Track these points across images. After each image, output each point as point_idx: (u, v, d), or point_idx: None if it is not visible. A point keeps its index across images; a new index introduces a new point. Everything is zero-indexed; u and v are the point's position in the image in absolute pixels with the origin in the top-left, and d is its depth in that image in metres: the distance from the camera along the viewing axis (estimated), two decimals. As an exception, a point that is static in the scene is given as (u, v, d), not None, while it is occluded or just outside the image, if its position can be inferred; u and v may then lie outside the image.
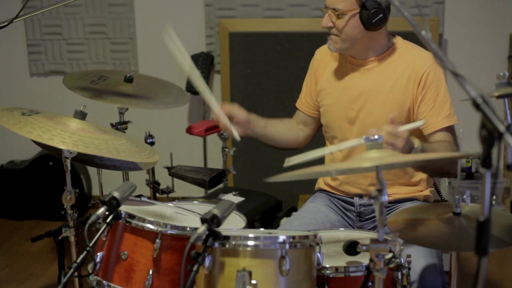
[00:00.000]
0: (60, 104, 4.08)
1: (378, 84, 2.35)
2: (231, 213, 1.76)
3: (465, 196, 1.94)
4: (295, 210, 3.11)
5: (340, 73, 2.43)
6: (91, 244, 1.81)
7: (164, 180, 3.08)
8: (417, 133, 2.32)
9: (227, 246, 1.74)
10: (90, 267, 1.92)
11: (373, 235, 2.13)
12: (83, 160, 2.45)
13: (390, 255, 1.89)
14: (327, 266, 1.91)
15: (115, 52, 4.23)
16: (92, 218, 1.82)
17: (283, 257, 1.74)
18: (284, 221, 3.02)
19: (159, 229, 1.94)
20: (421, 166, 2.14)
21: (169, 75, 3.77)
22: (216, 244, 1.73)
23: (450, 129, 2.30)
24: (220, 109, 2.30)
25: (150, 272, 1.94)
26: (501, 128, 1.24)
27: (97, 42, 4.22)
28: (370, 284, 1.83)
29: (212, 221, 1.69)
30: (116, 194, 1.87)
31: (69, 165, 2.23)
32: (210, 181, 2.90)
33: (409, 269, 2.00)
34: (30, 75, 4.34)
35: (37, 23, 4.23)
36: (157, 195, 3.04)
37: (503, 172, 4.06)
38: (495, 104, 1.30)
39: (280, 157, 2.85)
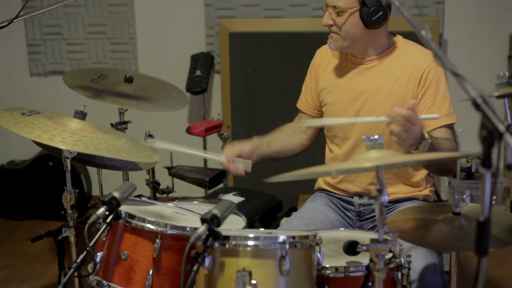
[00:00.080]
0: (60, 104, 4.08)
1: (379, 82, 2.35)
2: (231, 213, 1.76)
3: (464, 196, 1.94)
4: (295, 210, 3.11)
5: (340, 72, 2.43)
6: (91, 244, 1.81)
7: (164, 180, 3.08)
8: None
9: (227, 246, 1.74)
10: (90, 267, 1.92)
11: (373, 235, 2.13)
12: (83, 160, 2.45)
13: (390, 255, 1.89)
14: (327, 266, 1.91)
15: (115, 52, 4.23)
16: (92, 218, 1.82)
17: (283, 257, 1.74)
18: (284, 221, 3.02)
19: (159, 229, 1.94)
20: (431, 165, 2.13)
21: (169, 75, 3.78)
22: (216, 244, 1.73)
23: (449, 127, 2.30)
24: (225, 159, 2.35)
25: (150, 272, 1.94)
26: (501, 128, 1.24)
27: (97, 42, 4.22)
28: (370, 284, 1.83)
29: (212, 221, 1.69)
30: (116, 194, 1.87)
31: (69, 165, 2.23)
32: (210, 181, 2.90)
33: (409, 269, 2.00)
34: (30, 75, 4.34)
35: (37, 23, 4.23)
36: (157, 195, 3.04)
37: (503, 172, 4.06)
38: (495, 104, 1.30)
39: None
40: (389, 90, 2.33)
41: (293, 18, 4.04)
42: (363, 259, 1.91)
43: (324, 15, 2.32)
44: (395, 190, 2.41)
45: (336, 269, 1.92)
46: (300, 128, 2.61)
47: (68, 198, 2.29)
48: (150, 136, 2.95)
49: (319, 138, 2.76)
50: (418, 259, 2.14)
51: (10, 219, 4.22)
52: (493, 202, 3.89)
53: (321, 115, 2.55)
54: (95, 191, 4.17)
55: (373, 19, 2.25)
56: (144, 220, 1.96)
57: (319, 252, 1.86)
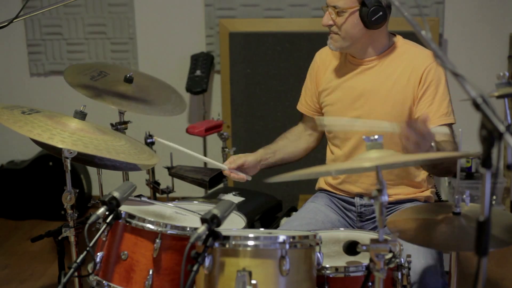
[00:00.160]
0: (60, 104, 4.07)
1: (379, 83, 2.35)
2: (231, 213, 1.76)
3: (464, 196, 1.94)
4: (295, 210, 3.11)
5: (340, 73, 2.43)
6: (91, 244, 1.81)
7: (164, 180, 3.08)
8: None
9: (227, 246, 1.74)
10: (90, 267, 1.92)
11: (373, 235, 2.13)
12: (83, 160, 2.45)
13: (390, 255, 1.89)
14: (327, 266, 1.91)
15: (115, 52, 4.23)
16: (92, 218, 1.82)
17: (283, 257, 1.74)
18: (284, 221, 3.02)
19: (159, 229, 1.94)
20: (430, 165, 2.13)
21: (169, 75, 3.78)
22: (216, 244, 1.73)
23: (447, 127, 2.30)
24: (228, 169, 2.40)
25: (150, 272, 1.94)
26: (501, 128, 1.24)
27: (97, 42, 4.22)
28: (370, 284, 1.83)
29: (212, 221, 1.69)
30: (116, 194, 1.87)
31: (69, 165, 2.23)
32: (210, 181, 2.90)
33: (409, 269, 1.99)
34: (30, 75, 4.34)
35: (37, 23, 4.23)
36: (157, 195, 3.04)
37: (503, 172, 4.06)
38: (495, 104, 1.30)
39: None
40: (389, 90, 2.33)
41: (293, 18, 4.04)
42: (363, 259, 1.91)
43: (324, 15, 2.32)
44: (397, 191, 2.41)
45: (336, 269, 1.91)
46: (306, 131, 2.62)
47: (68, 198, 2.29)
48: (150, 136, 2.96)
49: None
50: (419, 260, 2.14)
51: (10, 219, 4.22)
52: (493, 202, 3.89)
53: (320, 116, 2.55)
54: (95, 191, 4.17)
55: (373, 19, 2.25)
56: (144, 220, 1.96)
57: (319, 252, 1.86)
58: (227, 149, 3.26)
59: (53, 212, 4.10)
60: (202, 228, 1.68)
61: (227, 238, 1.74)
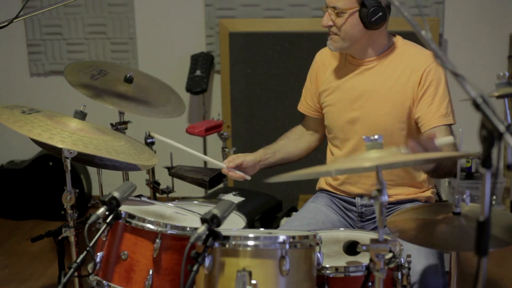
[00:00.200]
0: (60, 104, 4.08)
1: (379, 83, 2.35)
2: (231, 213, 1.76)
3: (464, 196, 1.94)
4: (295, 210, 3.11)
5: (340, 73, 2.43)
6: (91, 244, 1.81)
7: (164, 180, 3.08)
8: (417, 132, 2.32)
9: (227, 246, 1.74)
10: (90, 267, 1.92)
11: (373, 235, 2.13)
12: (83, 160, 2.45)
13: (390, 255, 1.89)
14: (327, 266, 1.91)
15: (115, 52, 4.23)
16: (92, 218, 1.82)
17: (283, 257, 1.74)
18: (284, 221, 3.02)
19: (159, 229, 1.94)
20: (432, 169, 2.13)
21: (169, 75, 3.78)
22: (216, 244, 1.73)
23: (446, 128, 2.29)
24: (226, 168, 2.42)
25: (150, 272, 1.94)
26: (501, 128, 1.24)
27: (97, 42, 4.22)
28: (370, 284, 1.83)
29: (212, 221, 1.69)
30: (116, 194, 1.87)
31: (69, 165, 2.23)
32: (210, 181, 2.90)
33: (409, 269, 2.00)
34: (30, 75, 4.34)
35: (37, 23, 4.23)
36: (157, 195, 3.04)
37: (503, 172, 4.06)
38: (495, 104, 1.30)
39: (280, 157, 2.87)
40: (389, 90, 2.33)
41: (293, 18, 4.04)
42: (363, 259, 1.91)
43: (323, 16, 2.32)
44: (398, 192, 2.41)
45: (336, 269, 1.92)
46: (308, 130, 2.63)
47: (68, 198, 2.29)
48: (150, 136, 2.96)
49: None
50: (420, 260, 2.14)
51: (10, 219, 4.22)
52: (493, 202, 3.89)
53: (321, 116, 2.55)
54: (95, 191, 4.17)
55: (372, 19, 2.25)
56: (144, 220, 1.96)
57: (319, 252, 1.86)
58: (227, 149, 3.26)
59: (53, 212, 4.10)
60: (202, 228, 1.68)
61: (227, 238, 1.74)
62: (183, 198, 2.92)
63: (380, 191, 1.60)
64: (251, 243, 1.74)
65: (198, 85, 3.98)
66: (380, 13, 2.25)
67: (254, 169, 2.47)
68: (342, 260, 1.94)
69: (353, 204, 2.47)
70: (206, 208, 1.86)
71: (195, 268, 1.65)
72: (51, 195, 4.05)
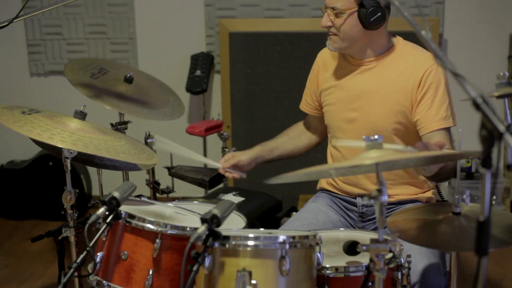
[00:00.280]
0: (60, 104, 4.08)
1: (378, 84, 2.35)
2: (231, 213, 1.76)
3: (464, 196, 1.94)
4: (295, 210, 3.11)
5: (340, 73, 2.43)
6: (91, 244, 1.81)
7: (164, 180, 3.08)
8: (414, 134, 2.32)
9: (227, 246, 1.74)
10: (90, 267, 1.92)
11: (373, 235, 2.13)
12: (83, 160, 2.45)
13: (390, 255, 1.89)
14: (327, 266, 1.91)
15: (115, 52, 4.23)
16: (92, 218, 1.82)
17: (283, 257, 1.74)
18: (284, 221, 3.02)
19: (159, 229, 1.94)
20: (434, 175, 2.13)
21: (169, 75, 3.78)
22: (216, 244, 1.73)
23: (445, 131, 2.29)
24: (222, 168, 2.50)
25: (150, 272, 1.94)
26: (501, 128, 1.24)
27: (97, 42, 4.22)
28: (370, 284, 1.83)
29: (212, 221, 1.69)
30: (116, 194, 1.87)
31: (69, 165, 2.23)
32: (210, 181, 2.89)
33: (409, 269, 1.99)
34: (30, 75, 4.34)
35: (37, 23, 4.23)
36: (157, 195, 3.03)
37: (503, 172, 4.06)
38: (495, 104, 1.30)
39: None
40: (388, 91, 2.33)
41: (293, 18, 4.04)
42: (363, 259, 1.91)
43: (323, 17, 2.32)
44: (398, 192, 2.40)
45: (336, 269, 1.92)
46: (309, 128, 2.66)
47: (68, 198, 2.29)
48: (150, 136, 2.96)
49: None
50: (422, 259, 2.14)
51: (10, 219, 4.22)
52: (493, 202, 3.89)
53: (321, 115, 2.56)
54: (95, 191, 4.17)
55: (371, 20, 2.25)
56: (144, 220, 1.96)
57: (319, 252, 1.86)
58: (227, 149, 3.26)
59: (53, 212, 4.10)
60: (202, 228, 1.68)
61: (227, 238, 1.74)
62: (183, 198, 2.91)
63: (380, 191, 1.60)
64: (251, 243, 1.74)
65: (198, 85, 3.98)
66: (379, 14, 2.25)
67: (250, 166, 2.55)
68: (342, 260, 1.94)
69: (354, 204, 2.47)
70: (206, 208, 1.86)
71: (195, 268, 1.65)
72: (51, 195, 4.05)
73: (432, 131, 2.26)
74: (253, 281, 1.71)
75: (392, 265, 1.94)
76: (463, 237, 1.84)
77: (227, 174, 2.51)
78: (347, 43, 2.32)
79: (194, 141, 4.02)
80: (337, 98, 2.43)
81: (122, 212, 1.96)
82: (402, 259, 1.96)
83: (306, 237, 1.82)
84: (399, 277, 1.96)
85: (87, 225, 1.79)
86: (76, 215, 2.35)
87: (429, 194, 2.45)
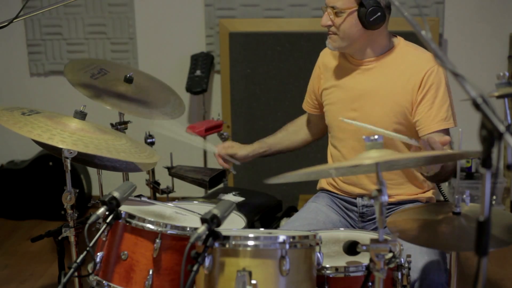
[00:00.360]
0: (60, 104, 4.08)
1: (378, 84, 2.35)
2: (231, 213, 1.76)
3: (464, 196, 1.94)
4: (295, 209, 3.11)
5: (341, 73, 2.43)
6: (91, 244, 1.81)
7: (164, 180, 3.08)
8: (414, 134, 2.32)
9: (227, 246, 1.74)
10: (90, 267, 1.92)
11: (373, 235, 2.13)
12: (83, 160, 2.45)
13: (390, 255, 1.89)
14: (327, 266, 1.91)
15: (115, 52, 4.23)
16: (92, 218, 1.82)
17: (283, 257, 1.74)
18: (284, 221, 3.02)
19: (159, 229, 1.94)
20: (434, 175, 2.13)
21: (169, 75, 3.78)
22: (216, 244, 1.73)
23: (445, 132, 2.29)
24: (217, 153, 2.58)
25: (150, 272, 1.94)
26: (501, 128, 1.24)
27: (97, 42, 4.22)
28: (370, 284, 1.83)
29: (212, 221, 1.69)
30: (116, 194, 1.88)
31: (69, 165, 2.22)
32: (210, 181, 2.90)
33: (409, 269, 1.99)
34: (30, 75, 4.34)
35: (37, 23, 4.23)
36: (157, 195, 3.04)
37: (503, 172, 4.05)
38: (495, 104, 1.30)
39: (280, 157, 2.87)
40: (388, 91, 2.33)
41: (293, 18, 4.04)
42: (363, 259, 1.91)
43: (323, 16, 2.32)
44: (399, 192, 2.40)
45: (336, 269, 1.92)
46: (309, 123, 2.69)
47: (68, 198, 2.29)
48: (150, 136, 2.96)
49: (321, 140, 2.75)
50: (422, 256, 2.14)
51: (10, 219, 4.22)
52: (493, 202, 3.89)
53: (320, 113, 2.56)
54: (95, 191, 4.17)
55: (371, 19, 2.25)
56: (144, 220, 1.96)
57: (319, 252, 1.86)
58: (225, 134, 3.28)
59: (53, 212, 4.10)
60: (202, 228, 1.68)
61: (227, 238, 1.74)
62: (183, 198, 2.92)
63: (380, 191, 1.60)
64: (251, 243, 1.74)
65: (198, 85, 3.98)
66: (379, 13, 2.25)
67: (245, 160, 2.62)
68: (342, 260, 1.94)
69: (354, 205, 2.47)
70: (206, 208, 1.86)
71: (195, 268, 1.66)
72: (51, 195, 4.05)
73: (431, 132, 2.26)
74: (253, 281, 1.71)
75: (392, 265, 1.94)
76: (463, 237, 1.84)
77: (219, 161, 2.57)
78: (347, 43, 2.32)
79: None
80: (337, 98, 2.43)
81: (122, 212, 1.96)
82: (402, 259, 1.96)
83: (306, 237, 1.82)
84: (399, 277, 1.96)
85: (87, 225, 1.79)
86: (76, 215, 2.35)
87: (429, 194, 2.45)
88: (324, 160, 2.59)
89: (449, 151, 2.08)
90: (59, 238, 2.44)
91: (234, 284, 1.72)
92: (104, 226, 1.88)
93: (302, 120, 2.72)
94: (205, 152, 4.08)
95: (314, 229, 2.30)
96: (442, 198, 2.82)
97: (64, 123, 2.19)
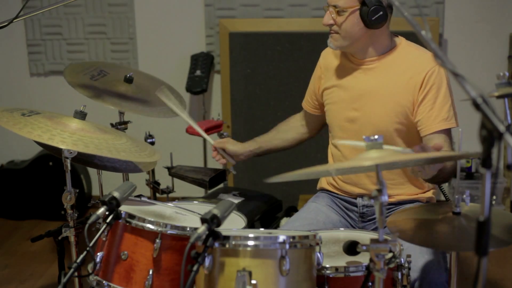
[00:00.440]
0: (60, 104, 4.08)
1: (379, 83, 2.35)
2: (231, 213, 1.76)
3: (464, 196, 1.94)
4: (294, 209, 3.11)
5: (342, 72, 2.43)
6: (91, 244, 1.81)
7: (164, 180, 3.08)
8: (416, 134, 2.32)
9: (227, 246, 1.74)
10: (90, 267, 1.92)
11: (373, 235, 2.13)
12: (83, 160, 2.45)
13: (390, 255, 1.89)
14: (327, 266, 1.91)
15: (115, 52, 4.23)
16: (92, 218, 1.82)
17: (283, 257, 1.74)
18: (284, 221, 3.02)
19: (159, 229, 1.94)
20: (432, 178, 2.13)
21: (169, 75, 3.78)
22: (216, 244, 1.73)
23: (447, 132, 2.29)
24: (213, 145, 2.68)
25: (150, 272, 1.94)
26: (501, 128, 1.24)
27: (97, 42, 4.22)
28: (370, 284, 1.83)
29: (212, 221, 1.69)
30: (116, 194, 1.88)
31: (69, 165, 2.22)
32: (210, 181, 2.89)
33: (409, 269, 1.99)
34: (30, 75, 4.34)
35: (37, 23, 4.23)
36: (157, 195, 3.03)
37: (503, 172, 4.05)
38: (495, 104, 1.30)
39: (280, 157, 2.87)
40: (389, 91, 2.33)
41: (293, 18, 4.04)
42: (363, 259, 1.91)
43: (325, 15, 2.32)
44: (399, 192, 2.40)
45: (336, 269, 1.92)
46: (301, 121, 2.69)
47: (68, 198, 2.29)
48: (150, 136, 2.96)
49: (319, 138, 2.76)
50: (422, 255, 2.14)
51: (10, 219, 4.22)
52: (493, 202, 3.89)
53: (321, 113, 2.56)
54: (95, 191, 4.17)
55: (373, 18, 2.25)
56: (144, 220, 1.96)
57: (319, 252, 1.86)
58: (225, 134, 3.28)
59: (53, 212, 4.10)
60: (202, 228, 1.68)
61: (227, 238, 1.74)
62: (183, 198, 2.91)
63: (380, 191, 1.60)
64: (251, 243, 1.74)
65: (198, 85, 3.98)
66: (381, 12, 2.25)
67: (237, 158, 2.68)
68: (342, 260, 1.94)
69: (355, 205, 2.47)
70: (206, 208, 1.86)
71: (195, 268, 1.66)
72: (51, 195, 4.05)
73: (433, 132, 2.26)
74: (253, 281, 1.71)
75: (392, 265, 1.94)
76: (463, 237, 1.84)
77: (213, 153, 2.68)
78: (348, 42, 2.32)
79: (194, 141, 4.03)
80: (338, 97, 2.43)
81: (122, 212, 1.96)
82: (402, 259, 1.96)
83: (306, 237, 1.82)
84: (399, 277, 1.96)
85: (87, 225, 1.79)
86: (76, 215, 2.35)
87: (429, 194, 2.45)
88: (324, 160, 2.59)
89: (448, 153, 2.09)
90: (59, 238, 2.44)
91: (234, 284, 1.72)
92: (104, 226, 1.88)
93: (294, 119, 2.72)
94: (205, 152, 4.08)
95: (314, 229, 2.30)
96: (443, 198, 2.83)
97: (64, 123, 2.19)
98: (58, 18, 4.20)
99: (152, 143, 2.92)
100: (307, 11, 4.02)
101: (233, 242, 1.74)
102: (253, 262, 1.74)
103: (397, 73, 2.33)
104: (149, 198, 2.32)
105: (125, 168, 2.50)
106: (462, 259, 3.36)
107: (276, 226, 3.03)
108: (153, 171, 3.01)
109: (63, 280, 1.72)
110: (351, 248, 1.79)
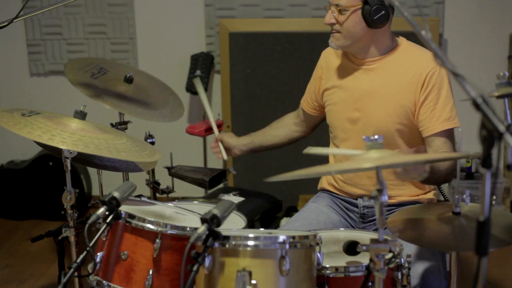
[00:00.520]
0: (60, 104, 4.08)
1: (380, 84, 2.34)
2: (231, 213, 1.76)
3: (464, 196, 1.94)
4: (295, 209, 3.11)
5: (343, 72, 2.43)
6: (91, 244, 1.81)
7: (164, 180, 3.08)
8: (417, 135, 2.32)
9: (227, 246, 1.74)
10: (90, 267, 1.92)
11: (373, 235, 2.13)
12: (83, 160, 2.45)
13: (390, 255, 1.89)
14: (327, 266, 1.91)
15: (115, 52, 4.23)
16: (92, 218, 1.82)
17: (283, 257, 1.74)
18: (284, 221, 3.02)
19: (159, 229, 1.95)
20: (425, 180, 2.13)
21: (169, 75, 3.78)
22: (216, 244, 1.73)
23: (449, 132, 2.29)
24: (216, 137, 2.79)
25: (150, 272, 1.95)
26: (501, 128, 1.24)
27: (97, 42, 4.22)
28: (370, 284, 1.83)
29: (212, 221, 1.69)
30: (116, 194, 1.88)
31: (69, 165, 2.22)
32: (210, 181, 2.90)
33: (409, 269, 1.99)
34: (30, 75, 4.34)
35: (37, 23, 4.23)
36: (157, 195, 3.03)
37: (503, 172, 4.05)
38: (495, 104, 1.30)
39: (280, 157, 2.87)
40: (391, 92, 2.32)
41: (293, 18, 4.04)
42: (363, 259, 1.91)
43: (326, 14, 2.32)
44: (400, 193, 2.40)
45: (336, 269, 1.92)
46: (295, 120, 2.70)
47: (68, 198, 2.29)
48: (150, 136, 2.96)
49: (319, 138, 2.76)
50: (422, 261, 2.14)
51: (10, 219, 4.22)
52: (493, 202, 3.89)
53: (319, 114, 2.57)
54: (95, 191, 4.17)
55: (375, 18, 2.24)
56: (144, 220, 1.96)
57: (319, 252, 1.86)
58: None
59: (53, 212, 4.09)
60: (202, 228, 1.68)
61: (227, 238, 1.74)
62: (183, 198, 2.91)
63: (380, 191, 1.60)
64: (251, 243, 1.74)
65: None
66: (383, 12, 2.24)
67: (233, 152, 2.76)
68: (342, 260, 1.94)
69: (355, 205, 2.47)
70: (206, 208, 1.86)
71: (195, 268, 1.66)
72: (51, 195, 4.05)
73: (436, 133, 2.26)
74: (253, 281, 1.71)
75: (392, 265, 1.94)
76: (463, 237, 1.84)
77: (212, 145, 2.78)
78: (350, 41, 2.31)
79: (194, 141, 4.03)
80: (340, 98, 2.43)
81: (122, 212, 1.96)
82: (402, 259, 1.96)
83: (306, 237, 1.82)
84: (399, 277, 1.95)
85: (87, 225, 1.79)
86: (76, 215, 2.35)
87: (430, 195, 2.44)
88: (324, 161, 2.59)
89: (446, 154, 2.09)
90: (59, 238, 2.44)
91: (234, 284, 1.72)
92: (104, 226, 1.88)
93: (289, 116, 2.73)
94: (205, 152, 4.08)
95: (315, 229, 2.30)
96: (442, 198, 2.83)
97: (64, 123, 2.19)
98: (58, 18, 4.20)
99: (152, 143, 2.92)
100: (307, 11, 4.02)
101: (233, 242, 1.74)
102: (253, 262, 1.74)
103: (398, 74, 2.32)
104: (149, 198, 2.32)
105: (125, 167, 2.49)
106: (462, 259, 3.36)
107: (276, 226, 3.03)
108: (153, 171, 3.01)
109: (63, 280, 1.72)
110: (351, 248, 1.79)
